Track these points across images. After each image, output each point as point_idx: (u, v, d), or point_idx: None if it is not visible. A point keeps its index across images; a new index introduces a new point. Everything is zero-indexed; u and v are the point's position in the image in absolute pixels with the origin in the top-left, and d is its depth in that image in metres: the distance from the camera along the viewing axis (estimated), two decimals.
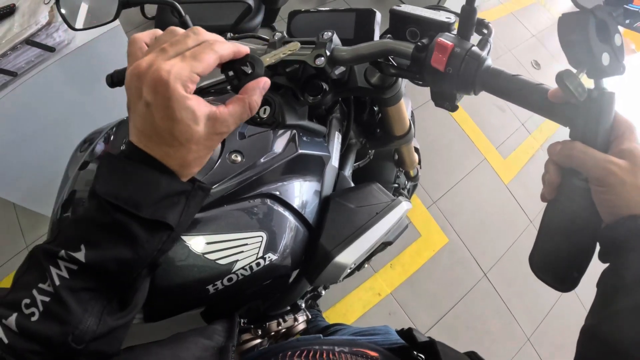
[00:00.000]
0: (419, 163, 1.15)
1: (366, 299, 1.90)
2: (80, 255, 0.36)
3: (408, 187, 1.24)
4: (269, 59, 0.49)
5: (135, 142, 0.38)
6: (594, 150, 0.40)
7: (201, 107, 0.37)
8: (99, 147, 0.72)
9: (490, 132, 2.54)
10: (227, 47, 0.40)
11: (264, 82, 0.43)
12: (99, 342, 0.38)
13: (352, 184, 0.80)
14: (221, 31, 1.72)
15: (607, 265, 0.42)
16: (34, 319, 0.35)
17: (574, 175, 0.43)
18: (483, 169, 2.42)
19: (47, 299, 0.36)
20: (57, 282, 0.36)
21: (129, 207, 0.36)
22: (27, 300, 0.36)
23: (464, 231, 2.18)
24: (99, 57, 1.41)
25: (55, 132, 1.53)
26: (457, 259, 2.11)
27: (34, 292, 0.36)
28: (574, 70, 0.40)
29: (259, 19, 1.79)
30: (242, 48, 0.42)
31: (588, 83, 0.41)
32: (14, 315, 0.35)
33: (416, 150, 1.06)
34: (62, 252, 0.36)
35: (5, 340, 0.34)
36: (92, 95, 1.50)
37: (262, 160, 0.61)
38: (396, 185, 1.11)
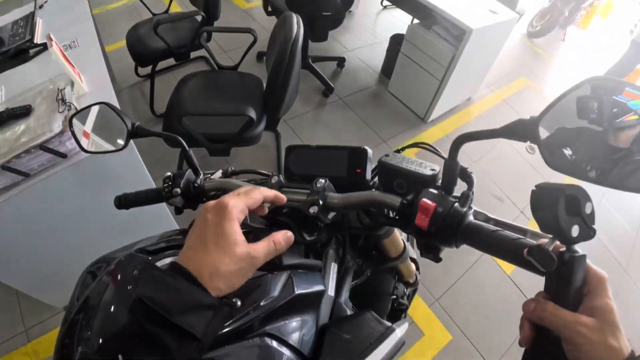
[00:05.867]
0: (417, 269, 1.15)
1: None
2: None
3: (407, 293, 1.23)
4: None
5: (178, 261, 0.46)
6: (564, 312, 0.41)
7: (240, 235, 0.48)
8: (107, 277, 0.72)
9: None
10: (270, 191, 0.55)
11: (290, 235, 0.55)
12: None
13: (348, 311, 0.80)
14: (225, 139, 1.81)
15: None
16: None
17: (548, 329, 0.44)
18: (484, 261, 2.40)
19: None
20: None
21: (163, 311, 0.40)
22: None
23: (468, 327, 2.12)
24: (109, 164, 1.48)
25: (63, 230, 1.58)
26: (462, 355, 2.03)
27: None
28: (546, 240, 0.42)
29: (261, 127, 1.90)
30: (281, 195, 0.57)
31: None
32: None
33: (413, 260, 1.07)
34: None
35: None
36: (99, 199, 1.56)
37: (261, 303, 0.62)
38: (394, 296, 1.10)
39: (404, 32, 3.13)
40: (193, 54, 2.73)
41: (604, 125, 0.44)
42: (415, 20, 3.34)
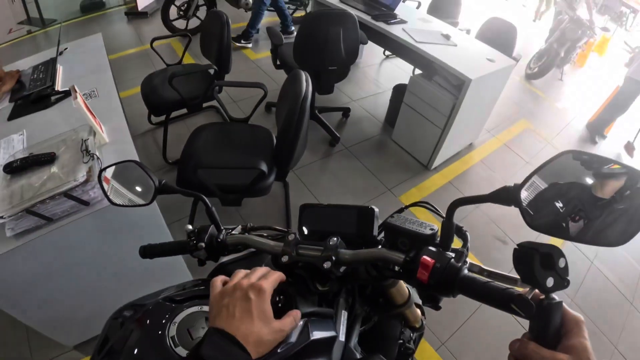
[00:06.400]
0: (423, 314, 1.19)
1: None
2: None
3: (414, 337, 1.26)
4: None
5: (224, 328, 0.57)
6: (543, 350, 0.48)
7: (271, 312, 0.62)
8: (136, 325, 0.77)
9: (494, 266, 2.51)
10: (279, 274, 0.68)
11: (299, 313, 0.67)
12: None
13: (358, 355, 0.85)
14: (237, 190, 1.90)
15: None
16: None
17: None
18: None
19: None
20: None
21: None
22: None
23: None
24: (129, 214, 1.55)
25: (80, 273, 1.63)
26: None
27: None
28: (527, 289, 0.50)
29: (271, 179, 2.00)
30: (283, 276, 0.68)
31: None
32: None
33: (418, 305, 1.11)
34: None
35: None
36: (117, 246, 1.63)
37: (279, 350, 0.67)
38: (401, 341, 1.14)
39: (406, 82, 3.28)
40: (204, 104, 2.87)
41: (594, 167, 0.52)
42: (417, 70, 3.49)
